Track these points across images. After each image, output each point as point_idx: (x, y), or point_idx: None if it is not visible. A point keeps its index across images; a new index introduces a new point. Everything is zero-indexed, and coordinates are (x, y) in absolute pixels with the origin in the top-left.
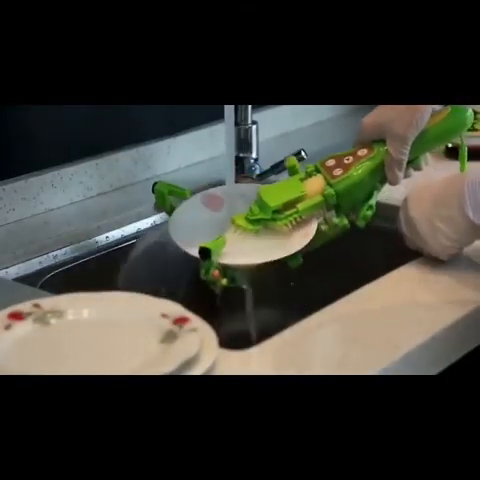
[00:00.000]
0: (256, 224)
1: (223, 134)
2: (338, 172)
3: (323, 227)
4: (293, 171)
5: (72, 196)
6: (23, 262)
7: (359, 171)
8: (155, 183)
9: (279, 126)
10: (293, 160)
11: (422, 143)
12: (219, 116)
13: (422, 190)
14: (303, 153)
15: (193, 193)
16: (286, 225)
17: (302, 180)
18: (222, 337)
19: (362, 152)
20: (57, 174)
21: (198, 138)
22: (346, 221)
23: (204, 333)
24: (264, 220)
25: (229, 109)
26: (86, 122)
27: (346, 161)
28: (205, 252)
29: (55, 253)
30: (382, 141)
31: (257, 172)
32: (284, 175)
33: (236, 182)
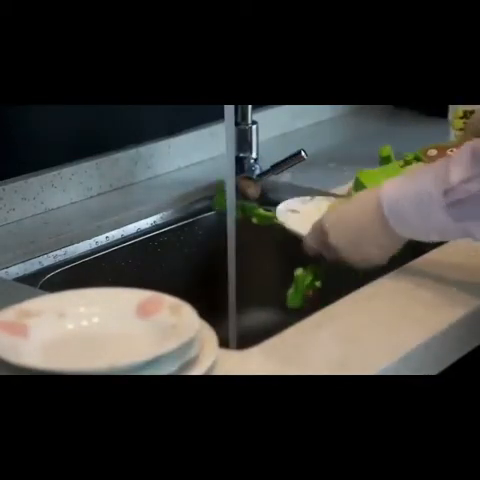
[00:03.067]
0: None
1: (223, 134)
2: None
3: None
4: (387, 161)
5: (72, 196)
6: (23, 262)
7: None
8: (219, 181)
9: (279, 126)
10: (388, 150)
11: None
12: (219, 116)
13: (337, 217)
14: (303, 153)
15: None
16: None
17: (402, 167)
18: (222, 337)
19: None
20: (57, 174)
21: (198, 138)
22: None
23: (204, 333)
24: None
25: (229, 109)
26: (86, 122)
27: (449, 152)
28: None
29: (55, 253)
30: None
31: (257, 172)
32: (285, 175)
33: (236, 182)
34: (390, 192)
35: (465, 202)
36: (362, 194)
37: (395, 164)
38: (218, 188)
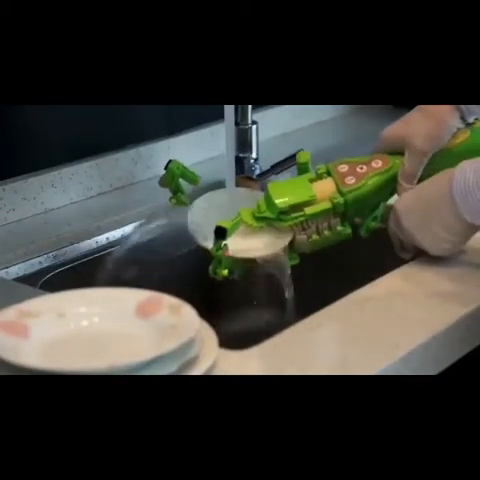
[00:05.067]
0: (261, 221)
1: (223, 134)
2: (350, 181)
3: (326, 232)
4: (304, 168)
5: (72, 196)
6: (23, 262)
7: (371, 183)
8: (170, 161)
9: (279, 126)
10: (306, 156)
11: (445, 163)
12: (219, 116)
13: (409, 198)
14: None
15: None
16: (291, 227)
17: (312, 181)
18: (222, 337)
19: (377, 163)
20: (57, 174)
21: (198, 138)
22: (350, 230)
23: (204, 333)
24: (269, 219)
25: (229, 109)
26: (86, 122)
27: (359, 170)
28: (221, 231)
29: (55, 253)
30: (399, 154)
31: (257, 172)
32: (284, 175)
33: (236, 182)
34: (464, 170)
35: None
36: (440, 173)
37: (305, 177)
38: (170, 169)
